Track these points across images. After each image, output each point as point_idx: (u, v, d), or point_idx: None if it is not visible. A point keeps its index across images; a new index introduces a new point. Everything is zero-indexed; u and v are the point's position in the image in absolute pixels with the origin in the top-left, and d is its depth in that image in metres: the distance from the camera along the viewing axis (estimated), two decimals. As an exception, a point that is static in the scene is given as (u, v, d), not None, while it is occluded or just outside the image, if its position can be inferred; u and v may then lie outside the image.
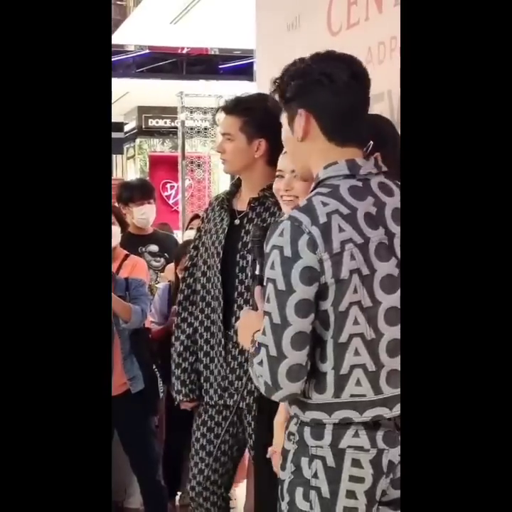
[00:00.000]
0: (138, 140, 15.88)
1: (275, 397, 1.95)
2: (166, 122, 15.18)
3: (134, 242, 4.64)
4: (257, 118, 2.97)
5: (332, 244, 1.89)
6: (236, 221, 2.99)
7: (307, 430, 1.96)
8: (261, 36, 4.35)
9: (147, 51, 13.09)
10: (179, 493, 4.42)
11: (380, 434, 1.93)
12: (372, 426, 1.94)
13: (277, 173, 2.73)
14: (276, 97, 2.10)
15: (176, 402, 3.15)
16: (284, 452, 2.02)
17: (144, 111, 15.31)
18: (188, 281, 3.11)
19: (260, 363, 1.92)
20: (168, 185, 13.83)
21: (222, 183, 11.71)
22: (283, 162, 2.72)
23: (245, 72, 9.82)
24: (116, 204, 4.70)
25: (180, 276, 3.77)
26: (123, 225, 4.14)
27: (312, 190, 2.00)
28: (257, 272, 2.15)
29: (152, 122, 15.48)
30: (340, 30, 3.39)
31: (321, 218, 1.91)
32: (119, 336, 3.76)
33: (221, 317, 2.94)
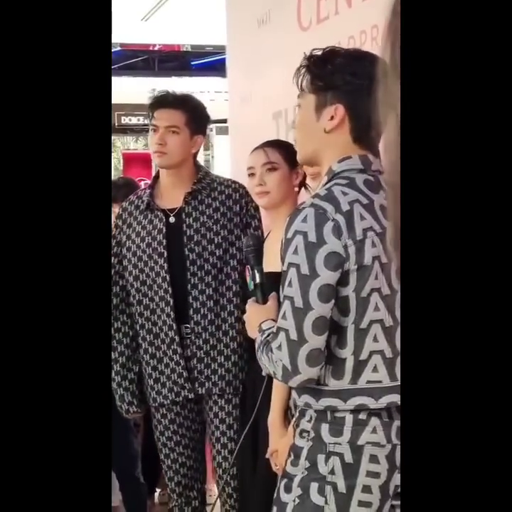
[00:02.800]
0: (111, 138, 15.83)
1: (292, 383, 1.94)
2: (139, 120, 15.13)
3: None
4: (199, 115, 3.09)
5: (355, 232, 1.92)
6: (171, 219, 3.01)
7: (325, 427, 1.96)
8: (232, 32, 4.36)
9: (119, 49, 13.04)
10: (158, 489, 4.43)
11: (394, 429, 1.94)
12: (387, 419, 1.95)
13: (248, 171, 2.75)
14: (306, 76, 2.06)
15: (127, 414, 3.17)
16: (296, 449, 2.01)
17: (116, 108, 15.25)
18: (115, 290, 3.11)
19: (279, 347, 1.92)
20: (142, 183, 13.82)
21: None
22: (253, 159, 2.74)
23: (218, 68, 9.81)
24: None
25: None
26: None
27: (327, 182, 2.02)
28: (258, 281, 2.16)
29: (125, 120, 15.42)
30: (310, 25, 3.40)
31: (343, 206, 1.93)
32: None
33: (172, 315, 2.96)
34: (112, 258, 3.13)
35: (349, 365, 1.95)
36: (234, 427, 3.00)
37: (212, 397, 3.00)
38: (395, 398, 1.94)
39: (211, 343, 2.97)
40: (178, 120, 3.02)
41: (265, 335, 2.00)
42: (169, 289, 2.96)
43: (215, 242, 2.98)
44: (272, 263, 2.35)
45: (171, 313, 2.96)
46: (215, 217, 3.00)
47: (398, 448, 1.95)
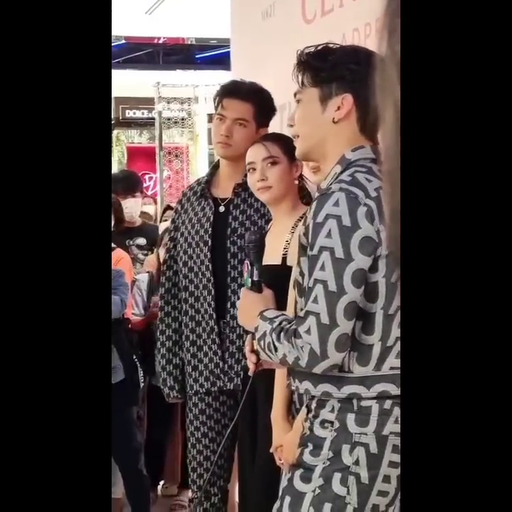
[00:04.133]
0: (115, 131, 15.80)
1: (317, 369, 1.92)
2: (143, 113, 15.11)
3: (121, 234, 4.59)
4: (267, 106, 3.02)
5: (384, 217, 1.92)
6: (221, 208, 2.99)
7: (351, 417, 1.95)
8: (236, 25, 4.35)
9: (123, 42, 13.02)
10: (161, 482, 4.44)
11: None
12: None
13: (248, 166, 2.74)
14: (308, 72, 2.07)
15: (168, 398, 3.15)
16: (317, 440, 2.00)
17: (120, 102, 15.22)
18: (168, 274, 3.11)
19: (308, 331, 1.90)
20: (147, 177, 13.81)
21: (201, 174, 11.70)
22: (252, 154, 2.73)
23: (222, 61, 9.79)
24: None
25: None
26: (117, 218, 4.12)
27: (343, 171, 2.00)
28: (255, 278, 2.15)
29: (129, 113, 15.40)
30: (314, 18, 3.40)
31: (371, 192, 1.94)
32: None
33: (213, 305, 2.95)
34: (169, 242, 3.13)
35: (376, 351, 1.94)
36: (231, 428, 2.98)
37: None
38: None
39: (244, 339, 2.95)
40: (247, 113, 2.97)
41: (277, 322, 1.97)
42: (211, 278, 2.94)
43: None
44: (271, 256, 2.34)
45: (212, 302, 2.95)
46: (262, 212, 2.96)
47: None
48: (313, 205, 1.97)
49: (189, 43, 12.88)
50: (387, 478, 1.94)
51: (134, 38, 12.83)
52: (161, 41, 13.01)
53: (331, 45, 2.10)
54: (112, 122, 15.75)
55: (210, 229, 2.97)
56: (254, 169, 2.71)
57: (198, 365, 3.03)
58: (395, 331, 1.94)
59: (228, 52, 4.57)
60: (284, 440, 2.38)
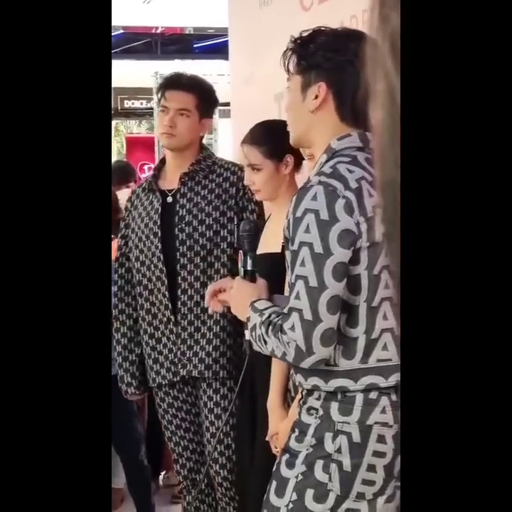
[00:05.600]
0: (114, 122, 15.79)
1: (304, 364, 1.92)
2: (141, 103, 15.09)
3: (117, 224, 4.58)
4: (209, 98, 3.11)
5: (366, 209, 1.91)
6: (169, 199, 3.03)
7: (334, 406, 1.95)
8: (233, 14, 4.33)
9: (121, 31, 12.98)
10: (162, 472, 4.44)
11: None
12: (396, 400, 1.94)
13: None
14: (292, 58, 2.07)
15: (126, 395, 3.20)
16: (302, 425, 2.00)
17: (119, 92, 15.20)
18: (120, 272, 3.15)
19: (292, 328, 1.89)
20: (146, 167, 13.79)
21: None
22: (240, 156, 2.72)
23: (221, 50, 9.76)
24: None
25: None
26: (115, 209, 4.11)
27: (327, 160, 1.99)
28: (249, 267, 2.14)
29: (128, 103, 15.38)
30: (312, 6, 3.38)
31: (352, 184, 1.92)
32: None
33: (167, 295, 2.98)
34: (120, 240, 3.18)
35: (361, 344, 1.94)
36: (214, 412, 2.99)
37: (203, 384, 3.00)
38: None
39: (195, 325, 2.97)
40: (189, 103, 3.03)
41: (266, 315, 1.97)
42: (163, 268, 2.97)
43: (206, 223, 2.98)
44: (271, 244, 2.33)
45: (166, 292, 2.98)
46: (209, 199, 3.00)
47: None
48: (294, 199, 1.96)
49: (187, 32, 12.85)
50: (372, 468, 1.94)
51: (131, 27, 12.80)
52: (159, 31, 12.97)
53: (324, 29, 2.07)
54: (111, 113, 15.73)
55: (159, 220, 3.01)
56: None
57: (158, 358, 3.05)
58: (380, 324, 1.94)
59: (226, 41, 4.55)
60: (279, 428, 2.39)
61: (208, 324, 2.96)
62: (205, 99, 3.08)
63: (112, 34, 13.10)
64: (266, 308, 1.98)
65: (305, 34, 2.07)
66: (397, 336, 1.93)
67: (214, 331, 2.96)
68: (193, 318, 2.97)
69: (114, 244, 3.99)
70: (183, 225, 2.98)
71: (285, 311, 1.93)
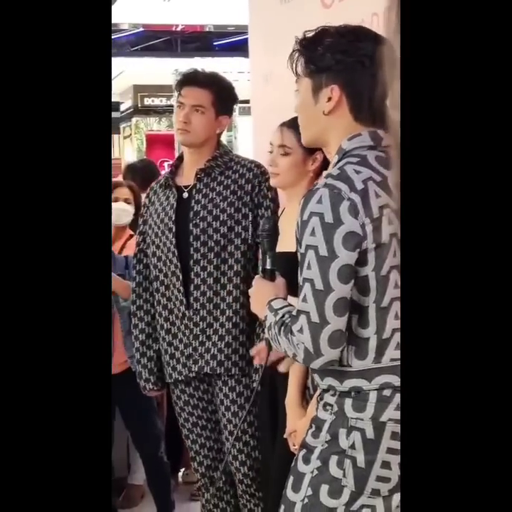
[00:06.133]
0: (134, 119, 15.83)
1: (314, 365, 1.93)
2: (161, 101, 15.12)
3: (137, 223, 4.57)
4: (226, 95, 3.09)
5: (372, 210, 1.91)
6: (184, 194, 3.03)
7: (348, 402, 1.96)
8: (254, 11, 4.32)
9: (141, 29, 13.01)
10: (182, 469, 4.45)
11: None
12: None
13: (269, 148, 2.74)
14: (299, 60, 2.07)
15: (144, 391, 3.19)
16: (318, 421, 2.01)
17: (139, 90, 15.25)
18: (138, 268, 3.16)
19: (300, 331, 1.91)
20: (166, 164, 13.83)
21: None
22: (273, 137, 2.72)
23: (240, 48, 9.77)
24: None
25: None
26: (137, 206, 4.12)
27: (337, 162, 2.00)
28: (268, 266, 2.15)
29: (148, 101, 15.42)
30: (332, 3, 3.37)
31: (358, 185, 1.92)
32: (118, 315, 3.77)
33: (182, 290, 2.98)
34: (138, 236, 3.18)
35: (372, 344, 1.94)
36: (231, 410, 2.99)
37: (218, 381, 2.99)
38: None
39: (208, 321, 2.97)
40: (204, 99, 3.02)
41: (280, 315, 1.98)
42: (178, 264, 2.97)
43: (221, 219, 2.97)
44: (287, 243, 2.33)
45: (181, 288, 2.98)
46: (224, 195, 2.99)
47: None
48: (301, 202, 1.98)
49: (207, 30, 12.85)
50: (386, 465, 1.94)
51: (151, 25, 12.82)
52: (179, 29, 12.99)
53: (328, 28, 2.06)
54: (131, 110, 15.76)
55: (174, 215, 3.01)
56: (271, 152, 2.71)
57: (174, 353, 3.05)
58: (391, 323, 1.94)
59: (247, 38, 4.54)
60: (297, 425, 2.39)
61: (221, 321, 2.96)
62: (221, 96, 3.06)
63: (132, 32, 13.15)
64: (281, 308, 2.00)
65: (310, 35, 2.06)
66: None
67: (226, 327, 2.96)
68: (205, 314, 2.97)
69: (134, 240, 4.01)
70: (198, 221, 2.97)
71: (294, 313, 1.95)
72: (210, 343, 2.97)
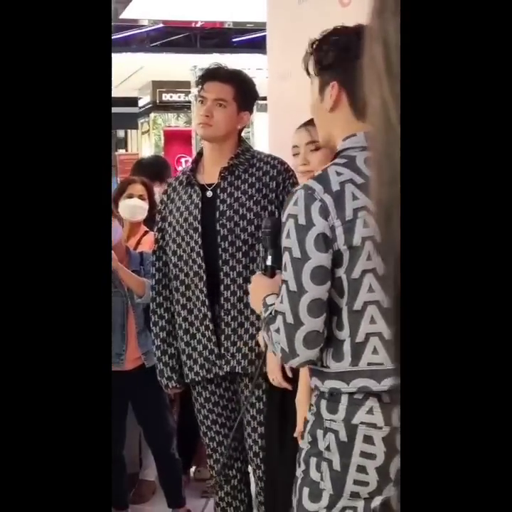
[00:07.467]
0: (152, 115, 15.86)
1: (292, 364, 1.97)
2: (180, 96, 15.13)
3: (153, 218, 4.57)
4: (248, 91, 3.08)
5: (345, 212, 1.91)
6: (208, 193, 3.00)
7: (323, 403, 1.98)
8: (272, 8, 4.32)
9: (161, 25, 13.03)
10: (194, 466, 4.45)
11: (396, 412, 1.91)
12: (389, 403, 1.92)
13: (293, 150, 2.74)
14: (311, 60, 2.10)
15: (166, 389, 3.19)
16: (305, 422, 2.05)
17: (158, 85, 15.27)
18: (158, 265, 3.14)
19: (277, 331, 1.94)
20: (183, 160, 13.85)
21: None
22: (297, 138, 2.72)
23: (259, 45, 9.75)
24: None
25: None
26: (151, 203, 4.13)
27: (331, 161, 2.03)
28: (268, 263, 2.17)
29: (166, 97, 15.44)
30: (350, 1, 3.36)
31: (333, 186, 1.93)
32: (133, 311, 3.77)
33: (205, 291, 2.96)
34: (157, 233, 3.16)
35: (347, 347, 1.94)
36: (256, 407, 2.98)
37: (244, 378, 2.99)
38: (399, 381, 1.89)
39: (239, 320, 2.96)
40: (226, 94, 3.01)
41: (269, 312, 2.01)
42: (203, 264, 2.96)
43: (248, 218, 2.96)
44: None
45: (204, 288, 2.96)
46: (250, 193, 2.97)
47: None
48: (285, 204, 2.00)
49: (226, 26, 12.86)
50: (362, 469, 1.93)
51: (171, 21, 12.84)
52: (198, 25, 13.00)
53: (340, 27, 2.09)
54: (150, 106, 15.80)
55: (199, 215, 2.98)
56: (298, 154, 2.70)
57: (192, 354, 3.04)
58: (366, 327, 1.93)
59: (265, 35, 4.54)
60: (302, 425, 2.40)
61: (251, 320, 2.96)
62: (243, 92, 3.05)
63: (152, 28, 13.17)
64: (271, 305, 2.02)
65: (321, 36, 2.09)
66: (387, 341, 1.91)
67: (257, 326, 2.96)
68: (236, 314, 2.95)
69: (151, 237, 4.01)
70: (224, 221, 2.95)
71: (273, 313, 1.97)
72: (242, 342, 2.96)
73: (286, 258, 1.94)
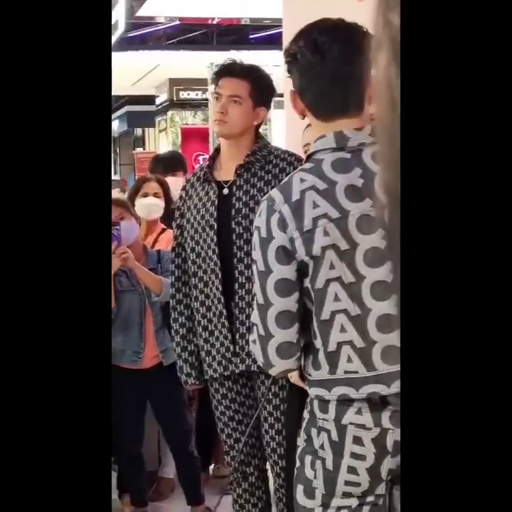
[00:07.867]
0: (169, 113, 15.88)
1: (271, 373, 1.99)
2: (197, 94, 15.14)
3: (170, 215, 4.58)
4: (264, 87, 3.05)
5: (303, 222, 1.89)
6: (225, 191, 2.99)
7: (315, 402, 1.98)
8: (288, 4, 4.31)
9: (177, 22, 13.04)
10: (213, 464, 4.46)
11: (386, 413, 1.90)
12: (378, 404, 1.91)
13: (304, 148, 2.73)
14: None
15: (186, 385, 3.18)
16: (302, 421, 2.05)
17: (175, 83, 15.28)
18: (177, 262, 3.13)
19: (254, 342, 1.97)
20: (200, 158, 13.87)
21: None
22: (308, 136, 2.72)
23: (276, 41, 9.74)
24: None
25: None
26: (167, 200, 4.12)
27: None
28: None
29: (183, 94, 15.45)
30: (367, -3, 3.34)
31: (294, 196, 1.91)
32: (151, 309, 3.78)
33: (220, 289, 2.95)
34: (175, 229, 3.15)
35: (321, 356, 1.94)
36: (281, 408, 2.98)
37: (260, 375, 2.98)
38: (376, 388, 1.89)
39: None
40: (241, 90, 2.98)
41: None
42: (218, 261, 2.95)
43: None
44: None
45: (220, 286, 2.96)
46: (265, 191, 2.94)
47: (390, 433, 1.90)
48: None
49: (243, 23, 12.85)
50: (352, 470, 1.92)
51: (188, 18, 12.85)
52: (215, 22, 13.00)
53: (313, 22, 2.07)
54: (167, 103, 15.82)
55: (215, 212, 2.97)
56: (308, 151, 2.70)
57: (210, 350, 3.04)
58: (336, 336, 1.90)
59: (282, 32, 4.53)
60: None
61: None
62: (259, 87, 3.02)
63: (169, 25, 13.18)
64: None
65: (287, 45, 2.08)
66: (359, 349, 1.89)
67: None
68: (250, 312, 2.95)
69: (168, 235, 4.01)
70: (240, 219, 2.95)
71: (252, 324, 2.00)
72: None
73: (254, 270, 1.95)
